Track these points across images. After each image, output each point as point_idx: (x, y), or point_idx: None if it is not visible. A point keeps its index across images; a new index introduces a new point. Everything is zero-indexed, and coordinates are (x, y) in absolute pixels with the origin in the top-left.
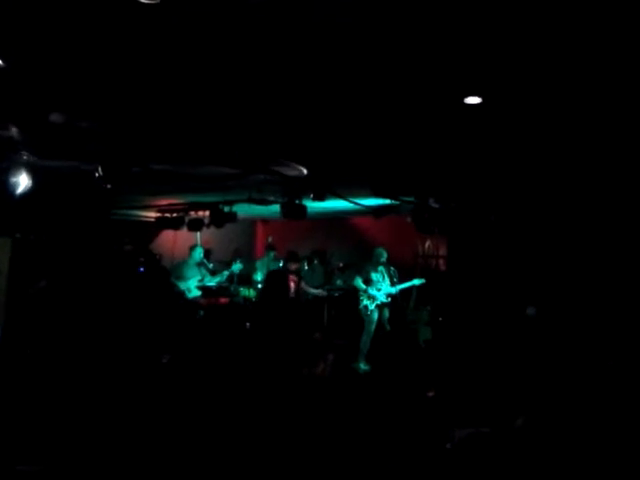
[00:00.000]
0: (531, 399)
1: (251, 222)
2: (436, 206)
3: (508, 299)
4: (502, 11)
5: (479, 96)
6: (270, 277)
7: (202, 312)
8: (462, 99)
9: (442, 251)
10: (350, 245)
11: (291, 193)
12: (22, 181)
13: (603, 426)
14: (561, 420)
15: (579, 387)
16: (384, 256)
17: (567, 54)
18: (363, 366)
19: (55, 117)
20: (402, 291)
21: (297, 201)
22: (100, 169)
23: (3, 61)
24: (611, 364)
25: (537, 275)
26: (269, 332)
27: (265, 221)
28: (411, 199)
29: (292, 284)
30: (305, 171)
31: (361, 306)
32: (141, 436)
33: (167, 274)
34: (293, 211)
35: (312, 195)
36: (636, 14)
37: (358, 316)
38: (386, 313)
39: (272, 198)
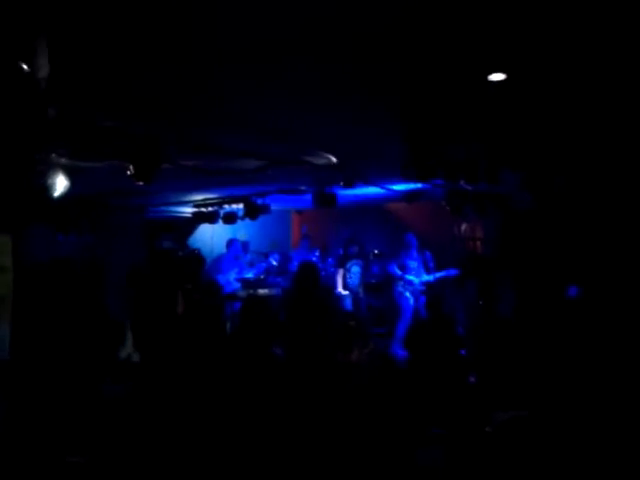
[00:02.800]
0: (571, 383)
1: (286, 213)
2: (468, 188)
3: (549, 280)
4: None
5: (503, 72)
6: (301, 267)
7: (239, 304)
8: (485, 76)
9: (479, 233)
10: (386, 232)
11: (321, 182)
12: (60, 183)
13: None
14: (603, 405)
15: (622, 373)
16: (415, 241)
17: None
18: (400, 352)
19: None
20: (438, 279)
21: (327, 189)
22: (132, 167)
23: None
24: None
25: (577, 254)
26: (301, 321)
27: (300, 211)
28: (441, 182)
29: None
30: (334, 159)
31: (396, 293)
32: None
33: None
34: (323, 200)
35: (342, 182)
36: None
37: (394, 303)
38: (421, 299)
39: (303, 188)
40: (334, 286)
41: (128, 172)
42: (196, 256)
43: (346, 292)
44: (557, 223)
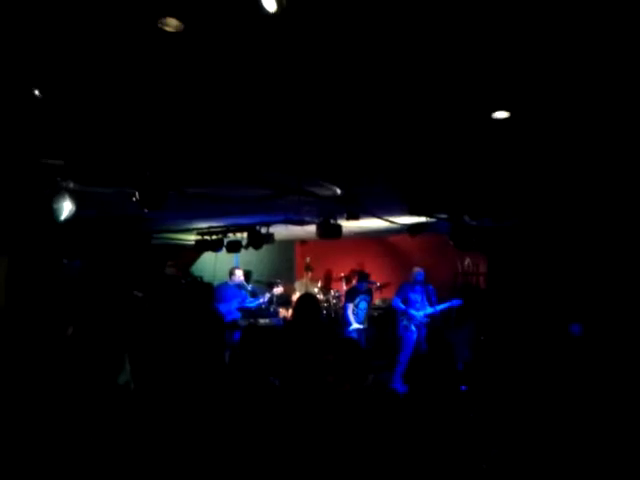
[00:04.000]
0: (573, 422)
1: (290, 243)
2: (473, 223)
3: (551, 316)
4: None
5: (507, 110)
6: (300, 300)
7: (240, 333)
8: (490, 114)
9: (482, 268)
10: (388, 264)
11: (326, 213)
12: (65, 207)
13: None
14: (605, 441)
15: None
16: (422, 275)
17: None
18: (400, 387)
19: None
20: (441, 311)
21: (332, 221)
22: (137, 193)
23: (40, 92)
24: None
25: (582, 291)
26: (299, 350)
27: (303, 242)
28: (445, 216)
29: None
30: (339, 191)
31: (400, 327)
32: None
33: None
34: (328, 231)
35: (346, 215)
36: None
37: (396, 336)
38: (423, 333)
39: (308, 219)
40: (346, 321)
41: (134, 198)
42: (202, 285)
43: (359, 327)
44: (561, 260)
